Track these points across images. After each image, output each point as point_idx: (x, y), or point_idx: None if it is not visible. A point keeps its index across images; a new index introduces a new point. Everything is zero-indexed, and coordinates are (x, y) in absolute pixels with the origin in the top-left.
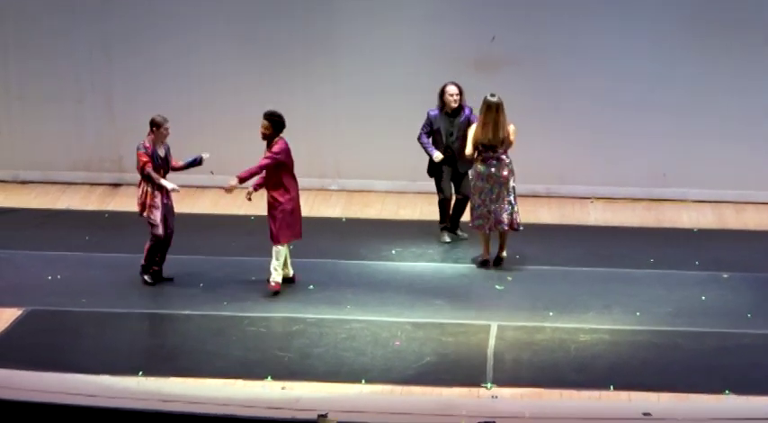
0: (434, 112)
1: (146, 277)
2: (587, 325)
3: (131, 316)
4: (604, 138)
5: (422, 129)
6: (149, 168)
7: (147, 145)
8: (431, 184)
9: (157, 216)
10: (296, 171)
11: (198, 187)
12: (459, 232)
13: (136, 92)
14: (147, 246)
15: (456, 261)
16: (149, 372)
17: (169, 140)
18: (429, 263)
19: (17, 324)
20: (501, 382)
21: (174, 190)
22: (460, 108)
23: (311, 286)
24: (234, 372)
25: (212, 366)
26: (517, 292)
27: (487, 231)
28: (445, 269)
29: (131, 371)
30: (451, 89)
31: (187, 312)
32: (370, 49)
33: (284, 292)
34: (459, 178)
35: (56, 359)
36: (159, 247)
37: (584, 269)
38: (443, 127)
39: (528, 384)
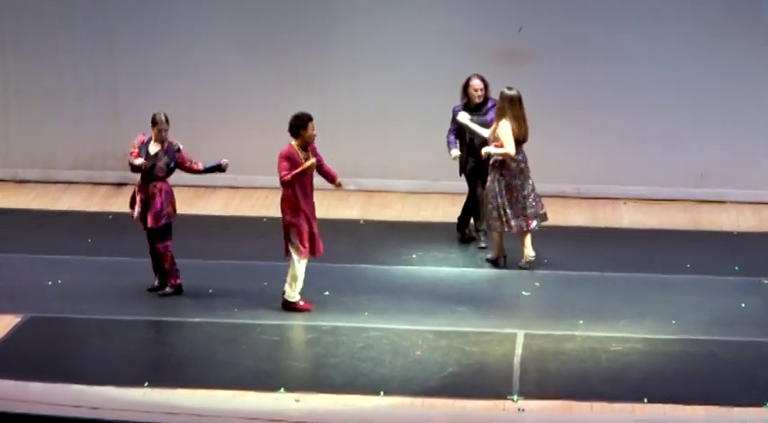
0: (458, 107)
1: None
2: (619, 334)
3: (136, 323)
4: (638, 135)
5: (450, 125)
6: (131, 157)
7: (142, 137)
8: (454, 183)
9: (135, 211)
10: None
11: (207, 187)
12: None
13: (141, 87)
14: (168, 257)
15: (480, 265)
16: (156, 383)
17: (180, 137)
18: (452, 267)
19: (15, 332)
20: (528, 394)
21: (142, 164)
22: (485, 102)
23: (326, 292)
24: (245, 383)
25: (222, 377)
26: (545, 299)
27: (513, 231)
28: (469, 274)
29: (137, 381)
30: (476, 83)
31: (196, 320)
32: (388, 43)
33: None
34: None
35: (56, 369)
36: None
37: (616, 274)
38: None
39: (556, 396)
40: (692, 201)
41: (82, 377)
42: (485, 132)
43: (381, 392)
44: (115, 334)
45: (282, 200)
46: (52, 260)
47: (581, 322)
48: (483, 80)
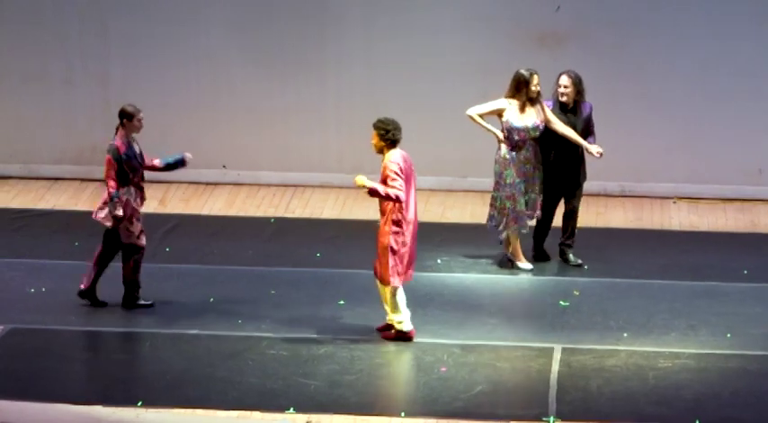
0: (549, 102)
1: (140, 301)
2: (668, 349)
3: (129, 336)
4: (690, 128)
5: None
6: (112, 188)
7: (120, 144)
8: (483, 180)
9: (137, 226)
10: (325, 165)
11: (208, 184)
12: (570, 257)
13: (135, 74)
14: (129, 266)
15: (513, 272)
16: (150, 402)
17: (176, 130)
18: (481, 274)
19: None
20: (566, 415)
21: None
22: (576, 105)
23: (341, 301)
24: (250, 402)
25: (224, 396)
26: (585, 310)
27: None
28: (501, 282)
29: (129, 401)
30: (562, 80)
31: (195, 332)
32: (409, 26)
33: (309, 308)
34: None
35: (39, 386)
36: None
37: (664, 282)
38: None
39: (598, 419)
40: (749, 200)
41: (68, 396)
42: (498, 132)
43: (402, 414)
44: (105, 348)
45: (384, 216)
46: (35, 265)
47: (625, 335)
48: (572, 78)
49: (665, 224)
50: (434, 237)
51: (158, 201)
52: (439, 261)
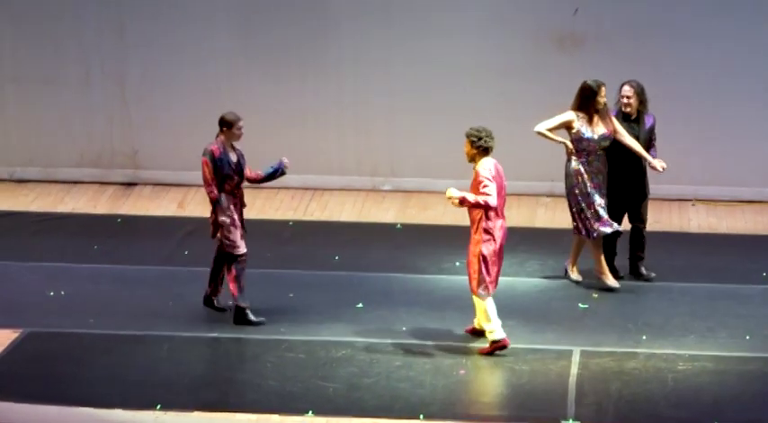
0: (612, 112)
1: (250, 317)
2: (688, 351)
3: (148, 339)
4: (708, 129)
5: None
6: (212, 194)
7: (215, 148)
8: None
9: (236, 235)
10: (343, 167)
11: None
12: (643, 271)
13: (153, 73)
14: (231, 274)
15: (531, 275)
16: (169, 405)
17: (193, 132)
18: (500, 277)
19: (13, 349)
20: (585, 418)
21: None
22: (640, 114)
23: (360, 304)
24: (269, 405)
25: (243, 399)
26: (604, 312)
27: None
28: (518, 284)
29: (148, 404)
30: (624, 90)
31: (214, 335)
32: (427, 28)
33: (327, 311)
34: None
35: (58, 390)
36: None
37: (683, 285)
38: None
39: (617, 421)
40: None
41: (87, 399)
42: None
43: (421, 416)
44: (124, 351)
45: (474, 224)
46: (54, 268)
47: (644, 338)
48: (634, 87)
49: (684, 226)
50: (453, 239)
51: (177, 204)
52: (458, 264)
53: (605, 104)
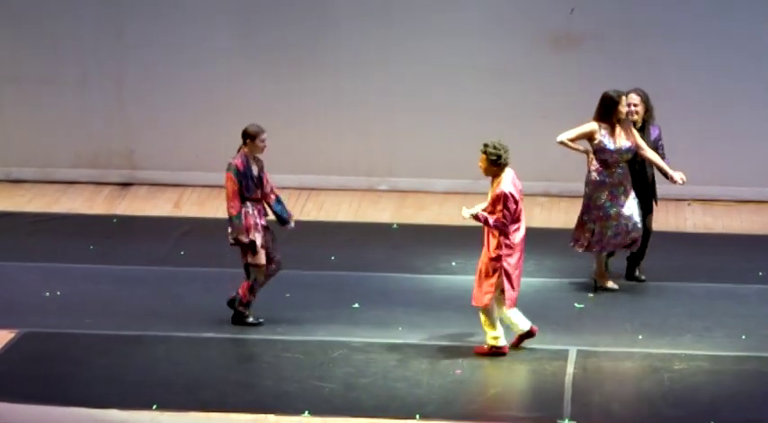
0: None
1: (249, 320)
2: (684, 351)
3: (144, 339)
4: (705, 128)
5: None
6: (233, 209)
7: (239, 162)
8: None
9: (257, 239)
10: (340, 167)
11: (223, 187)
12: (637, 273)
13: (151, 73)
14: (248, 282)
15: (528, 275)
16: (165, 405)
17: (190, 132)
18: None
19: (9, 349)
20: (581, 418)
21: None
22: (645, 124)
23: (356, 304)
24: (265, 405)
25: (240, 399)
26: (600, 312)
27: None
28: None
29: (144, 404)
30: (631, 97)
31: (210, 335)
32: (424, 27)
33: (324, 311)
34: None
35: (55, 390)
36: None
37: (679, 284)
38: None
39: (613, 421)
40: (764, 202)
41: (83, 399)
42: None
43: (417, 416)
44: (120, 351)
45: (495, 238)
46: (51, 269)
47: (640, 338)
48: (641, 96)
49: (680, 226)
50: (450, 239)
51: (173, 204)
52: (454, 264)
53: (627, 115)
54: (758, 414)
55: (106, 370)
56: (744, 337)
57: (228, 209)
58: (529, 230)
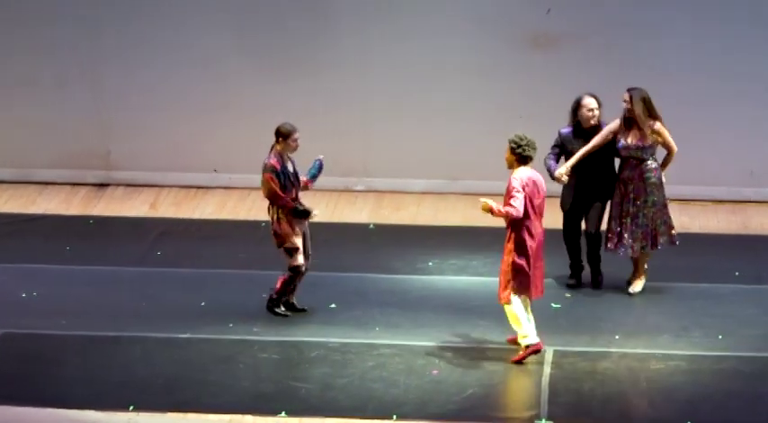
0: (566, 130)
1: (278, 310)
2: (661, 350)
3: (121, 340)
4: (681, 129)
5: (551, 150)
6: (282, 201)
7: (275, 162)
8: (475, 183)
9: (297, 243)
10: None
11: (199, 188)
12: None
13: (127, 74)
14: (282, 277)
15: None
16: (142, 406)
17: (166, 133)
18: (473, 277)
19: None
20: (558, 418)
21: (314, 216)
22: (598, 126)
23: (333, 305)
24: (242, 406)
25: (217, 400)
26: (577, 312)
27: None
28: (492, 284)
29: (121, 405)
30: (590, 102)
31: (187, 336)
32: (401, 27)
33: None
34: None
35: (32, 391)
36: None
37: (656, 284)
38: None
39: (590, 421)
40: (741, 202)
41: (60, 400)
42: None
43: (394, 416)
44: (97, 352)
45: (508, 233)
46: (27, 270)
47: (617, 337)
48: (597, 99)
49: None
50: (426, 239)
51: (149, 205)
52: (430, 264)
53: (628, 111)
54: (735, 414)
55: (83, 371)
56: (720, 336)
57: (284, 205)
58: (505, 231)
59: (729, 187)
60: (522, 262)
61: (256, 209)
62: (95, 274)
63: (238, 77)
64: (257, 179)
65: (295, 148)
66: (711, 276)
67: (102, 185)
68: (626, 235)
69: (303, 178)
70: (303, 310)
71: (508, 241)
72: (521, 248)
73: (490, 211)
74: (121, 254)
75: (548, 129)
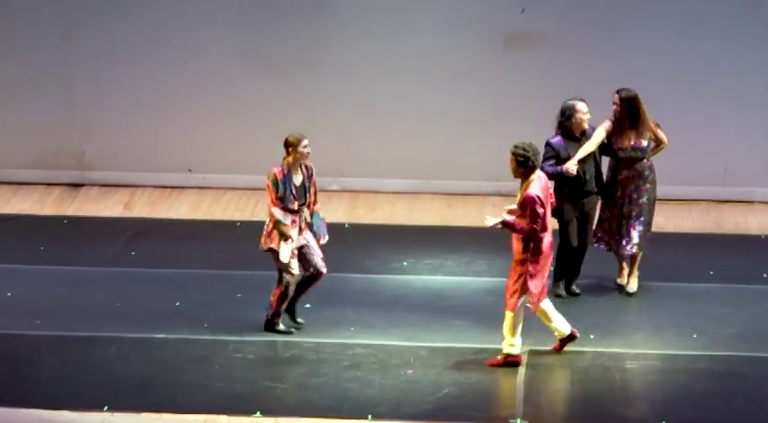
0: (556, 139)
1: (279, 327)
2: (635, 350)
3: (96, 340)
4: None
5: (543, 161)
6: (276, 214)
7: (278, 171)
8: (449, 182)
9: (286, 249)
10: None
11: (174, 188)
12: (575, 288)
13: (101, 74)
14: (274, 294)
15: (479, 274)
16: (117, 406)
17: (140, 133)
18: (447, 276)
19: None
20: (533, 417)
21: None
22: (584, 130)
23: (308, 305)
24: (217, 406)
25: (192, 400)
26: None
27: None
28: (467, 284)
29: (96, 405)
30: (584, 107)
31: (162, 336)
32: (377, 27)
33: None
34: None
35: (5, 391)
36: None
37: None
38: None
39: (565, 420)
40: (715, 201)
41: (34, 400)
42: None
43: (369, 416)
44: (72, 352)
45: (521, 242)
46: (1, 270)
47: (592, 337)
48: (585, 102)
49: None
50: (401, 239)
51: (123, 205)
52: (405, 263)
53: (617, 113)
54: (711, 413)
55: (57, 371)
56: (695, 335)
57: (272, 216)
58: (479, 230)
59: (703, 186)
60: (540, 268)
61: (231, 209)
62: (70, 274)
63: (213, 78)
64: (232, 179)
65: (307, 155)
66: (686, 275)
67: (77, 185)
68: (632, 232)
69: (313, 204)
70: (298, 323)
71: (524, 250)
72: (539, 256)
73: (504, 224)
74: (96, 254)
75: (523, 128)
